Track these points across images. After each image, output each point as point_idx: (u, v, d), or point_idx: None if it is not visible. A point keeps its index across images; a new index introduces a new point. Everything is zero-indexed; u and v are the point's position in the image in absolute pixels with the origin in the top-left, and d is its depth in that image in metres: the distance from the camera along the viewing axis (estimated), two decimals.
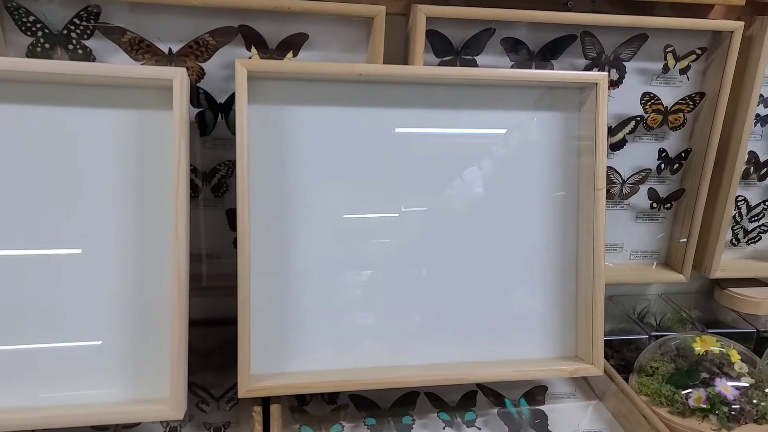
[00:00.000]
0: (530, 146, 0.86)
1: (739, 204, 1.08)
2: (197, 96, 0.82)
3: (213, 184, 0.88)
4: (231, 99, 0.84)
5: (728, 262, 1.11)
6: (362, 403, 0.83)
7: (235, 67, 0.73)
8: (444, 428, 0.81)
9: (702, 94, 0.98)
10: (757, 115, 1.02)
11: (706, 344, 0.91)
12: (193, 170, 0.87)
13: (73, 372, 0.74)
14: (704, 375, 0.87)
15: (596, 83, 0.83)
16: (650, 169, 1.01)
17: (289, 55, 0.83)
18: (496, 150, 0.85)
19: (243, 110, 0.74)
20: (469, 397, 0.86)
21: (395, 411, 0.82)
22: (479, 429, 0.81)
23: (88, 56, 0.78)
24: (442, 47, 0.87)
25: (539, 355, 0.87)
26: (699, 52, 0.95)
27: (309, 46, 0.84)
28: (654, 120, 0.98)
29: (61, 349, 0.74)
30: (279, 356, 0.80)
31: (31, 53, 0.77)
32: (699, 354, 0.90)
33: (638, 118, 0.97)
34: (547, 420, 0.83)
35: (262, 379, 0.77)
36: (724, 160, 1.01)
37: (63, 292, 0.74)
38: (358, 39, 0.85)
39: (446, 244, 0.84)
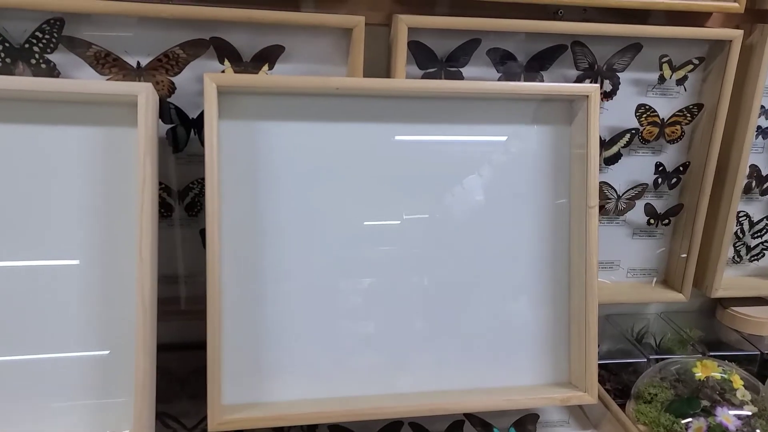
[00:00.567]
0: (518, 162, 0.81)
1: (740, 220, 1.03)
2: (168, 111, 0.79)
3: (186, 202, 0.84)
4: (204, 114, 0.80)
5: (730, 281, 1.06)
6: None
7: (204, 83, 0.70)
8: None
9: (700, 106, 0.94)
10: (759, 127, 0.98)
11: (707, 369, 0.87)
12: (166, 189, 0.83)
13: (29, 396, 0.70)
14: (705, 403, 0.82)
15: (587, 96, 0.79)
16: (647, 184, 0.97)
17: (265, 68, 0.80)
18: (481, 168, 0.81)
19: (213, 127, 0.70)
20: (456, 427, 0.82)
21: None
22: None
23: (52, 71, 0.75)
24: (425, 59, 0.83)
25: (530, 380, 0.83)
26: (696, 61, 0.91)
27: (286, 58, 0.80)
28: (650, 133, 0.94)
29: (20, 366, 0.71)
30: (254, 384, 0.76)
31: None
32: (700, 380, 0.86)
33: (633, 131, 0.93)
34: None
35: (235, 410, 0.73)
36: (725, 174, 0.97)
37: (26, 311, 0.70)
38: (337, 50, 0.81)
39: (428, 270, 0.80)
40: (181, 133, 0.81)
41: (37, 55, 0.74)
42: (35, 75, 0.74)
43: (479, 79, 0.86)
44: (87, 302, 0.71)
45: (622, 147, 0.94)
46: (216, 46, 0.78)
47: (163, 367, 0.73)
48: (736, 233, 1.04)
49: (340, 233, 0.78)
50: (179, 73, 0.78)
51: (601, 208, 0.96)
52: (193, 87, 0.79)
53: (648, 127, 0.93)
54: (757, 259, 1.08)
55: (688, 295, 1.01)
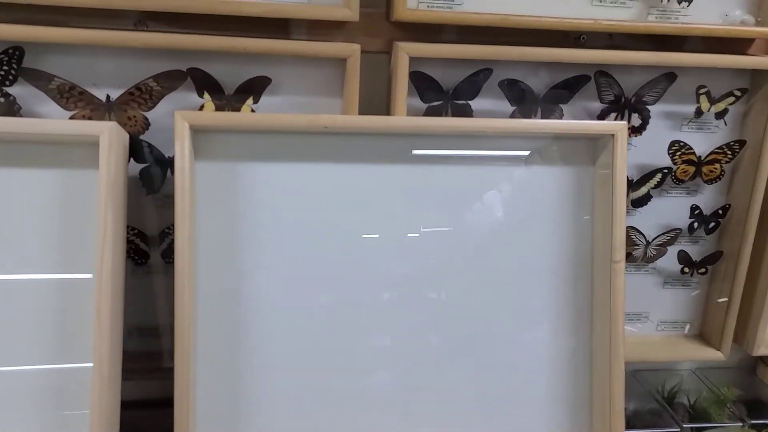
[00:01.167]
0: (532, 209, 0.72)
1: None
2: (142, 150, 0.71)
3: (163, 249, 0.76)
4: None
5: None
6: None
7: (175, 121, 0.62)
8: None
9: (742, 142, 0.83)
10: None
11: None
12: (140, 234, 0.75)
13: None
14: None
15: (613, 134, 0.69)
16: (680, 229, 0.87)
17: (249, 101, 0.71)
18: (491, 211, 0.72)
19: (185, 169, 0.63)
20: None
21: None
22: None
23: (12, 105, 0.67)
24: (429, 91, 0.74)
25: None
26: (738, 93, 0.81)
27: (273, 90, 0.72)
28: (685, 172, 0.83)
29: None
30: None
31: None
32: None
33: (666, 170, 0.83)
34: None
35: None
36: None
37: None
38: (331, 81, 0.73)
39: (429, 320, 0.72)
40: (156, 172, 0.72)
41: None
42: None
43: (490, 114, 0.76)
44: (41, 366, 0.64)
45: (652, 188, 0.84)
46: (194, 77, 0.70)
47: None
48: None
49: (329, 293, 0.69)
50: (153, 107, 0.70)
51: (628, 255, 0.86)
52: (170, 122, 0.70)
53: (682, 166, 0.83)
54: None
55: (727, 353, 0.90)
